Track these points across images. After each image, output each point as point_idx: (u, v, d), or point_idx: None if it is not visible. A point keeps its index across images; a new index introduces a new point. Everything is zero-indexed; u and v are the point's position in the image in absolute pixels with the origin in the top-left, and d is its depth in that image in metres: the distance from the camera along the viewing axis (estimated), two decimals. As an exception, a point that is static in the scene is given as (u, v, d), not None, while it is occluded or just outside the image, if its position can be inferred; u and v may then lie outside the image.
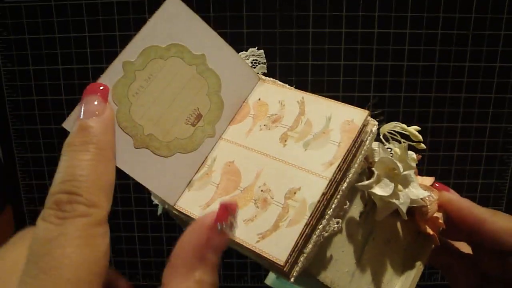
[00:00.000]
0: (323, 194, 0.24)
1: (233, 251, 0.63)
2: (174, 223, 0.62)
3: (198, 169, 0.28)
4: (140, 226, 0.63)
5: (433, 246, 0.32)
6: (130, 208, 0.62)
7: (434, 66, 0.58)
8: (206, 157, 0.28)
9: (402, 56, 0.57)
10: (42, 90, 0.59)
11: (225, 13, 0.57)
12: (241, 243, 0.24)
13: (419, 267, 0.31)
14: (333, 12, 0.56)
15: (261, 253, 0.23)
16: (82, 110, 0.22)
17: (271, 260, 0.23)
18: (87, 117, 0.22)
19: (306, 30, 0.57)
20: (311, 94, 0.29)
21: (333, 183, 0.25)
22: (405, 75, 0.58)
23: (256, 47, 0.32)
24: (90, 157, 0.21)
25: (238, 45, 0.56)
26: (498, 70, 0.58)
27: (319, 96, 0.28)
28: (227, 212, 0.21)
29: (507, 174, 0.61)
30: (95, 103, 0.23)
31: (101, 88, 0.24)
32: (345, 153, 0.25)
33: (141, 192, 0.61)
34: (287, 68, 0.58)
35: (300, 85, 0.29)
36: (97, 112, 0.22)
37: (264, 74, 0.32)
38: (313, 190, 0.25)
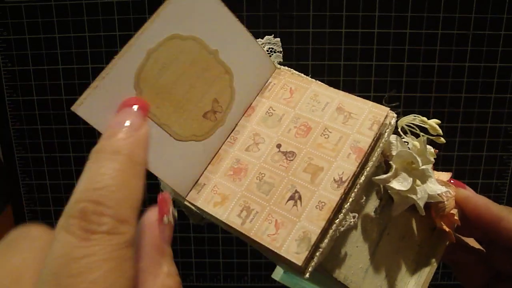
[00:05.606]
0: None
1: (233, 251, 0.64)
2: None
3: (211, 160, 0.27)
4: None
5: (448, 242, 0.31)
6: (130, 208, 0.62)
7: (434, 66, 0.58)
8: (219, 147, 0.27)
9: (402, 56, 0.57)
10: (42, 90, 0.59)
11: (225, 13, 0.57)
12: (255, 238, 0.23)
13: (433, 264, 0.31)
14: (333, 12, 0.56)
15: (276, 250, 0.23)
16: (118, 121, 0.20)
17: (286, 257, 0.22)
18: (121, 128, 0.20)
19: (306, 30, 0.57)
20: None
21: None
22: (405, 75, 0.58)
23: (273, 35, 0.31)
24: (120, 167, 0.19)
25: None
26: (498, 70, 0.58)
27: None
28: (166, 203, 0.21)
29: (507, 174, 0.61)
30: (134, 116, 0.21)
31: (142, 103, 0.22)
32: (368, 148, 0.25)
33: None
34: (287, 68, 0.58)
35: (300, 85, 0.29)
36: (133, 127, 0.20)
37: (279, 63, 0.31)
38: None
